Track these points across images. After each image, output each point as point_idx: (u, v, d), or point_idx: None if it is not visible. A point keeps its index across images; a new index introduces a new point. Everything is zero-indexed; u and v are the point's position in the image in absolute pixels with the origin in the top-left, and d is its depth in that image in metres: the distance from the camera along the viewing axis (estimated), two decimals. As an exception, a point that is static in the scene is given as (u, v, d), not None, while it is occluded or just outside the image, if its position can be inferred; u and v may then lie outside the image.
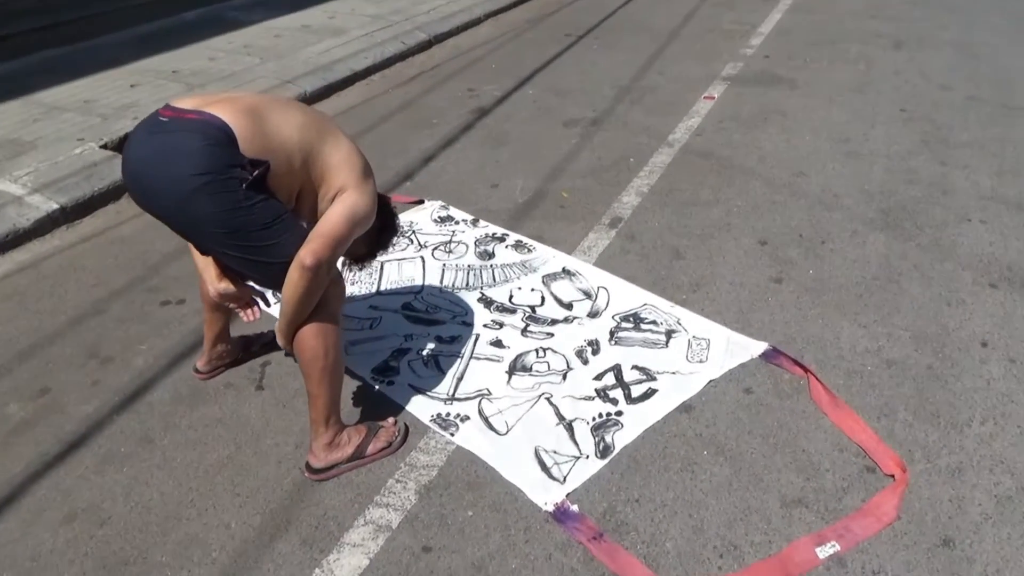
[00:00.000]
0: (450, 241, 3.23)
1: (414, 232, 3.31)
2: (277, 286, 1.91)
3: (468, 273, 2.98)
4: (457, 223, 3.38)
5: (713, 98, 4.80)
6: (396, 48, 5.86)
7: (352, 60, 5.50)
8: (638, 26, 6.58)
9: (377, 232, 2.23)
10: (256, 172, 1.80)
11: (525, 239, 3.21)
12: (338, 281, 2.00)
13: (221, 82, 4.92)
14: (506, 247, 3.16)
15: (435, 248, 3.18)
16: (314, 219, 1.98)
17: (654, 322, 2.65)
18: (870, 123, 4.34)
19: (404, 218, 3.42)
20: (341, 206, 1.93)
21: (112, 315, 2.83)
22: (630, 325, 2.63)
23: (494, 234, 3.27)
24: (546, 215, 3.43)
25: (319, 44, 5.77)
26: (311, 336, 1.94)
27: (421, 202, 3.57)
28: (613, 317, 2.68)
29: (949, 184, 3.59)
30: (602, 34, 6.41)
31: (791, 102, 4.70)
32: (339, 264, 2.71)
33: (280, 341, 2.00)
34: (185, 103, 1.87)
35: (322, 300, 1.93)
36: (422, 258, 3.10)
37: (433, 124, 4.53)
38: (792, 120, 4.42)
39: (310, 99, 4.94)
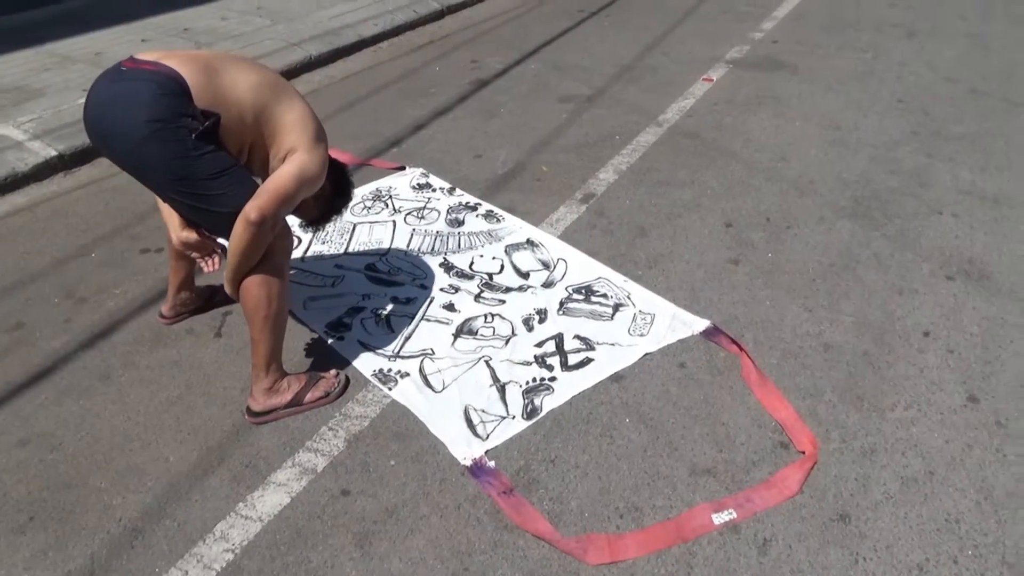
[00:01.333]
0: (424, 207, 3.31)
1: (391, 197, 3.40)
2: (225, 234, 2.01)
3: (435, 239, 3.07)
4: (434, 190, 3.46)
5: (711, 80, 4.80)
6: (407, 16, 5.92)
7: (361, 26, 5.57)
8: (653, 4, 6.55)
9: (330, 198, 2.33)
10: (207, 123, 1.89)
11: (496, 209, 3.28)
12: (284, 235, 2.10)
13: (229, 42, 5.03)
14: (476, 216, 3.24)
15: (408, 213, 3.26)
16: (265, 175, 2.07)
17: (604, 295, 2.71)
18: (863, 112, 4.31)
19: (383, 183, 3.51)
20: (290, 166, 2.02)
21: (94, 259, 2.97)
22: (581, 297, 2.70)
23: (467, 203, 3.35)
24: (522, 187, 3.50)
25: (331, 8, 5.84)
26: (255, 285, 2.05)
27: (402, 168, 3.65)
28: (566, 289, 2.75)
29: (929, 176, 3.58)
30: (615, 11, 6.39)
31: (788, 88, 4.68)
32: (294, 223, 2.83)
33: (227, 289, 2.11)
34: (146, 56, 1.97)
35: (268, 252, 2.03)
36: (394, 222, 3.20)
37: (430, 94, 4.60)
38: (786, 106, 4.41)
39: (315, 63, 5.03)
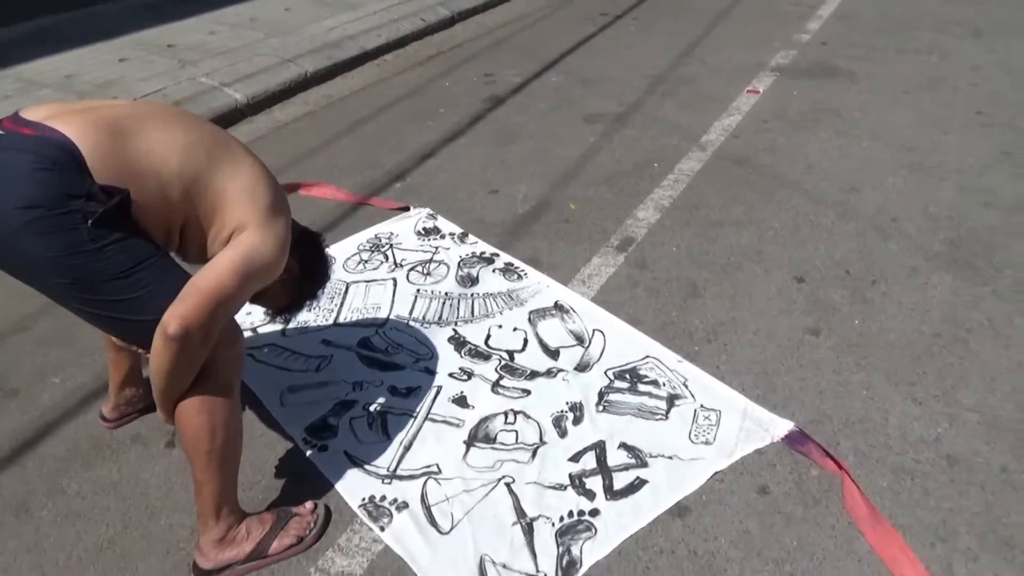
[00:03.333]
0: (430, 260, 2.77)
1: (391, 247, 2.86)
2: (147, 346, 1.49)
3: (444, 303, 2.53)
4: (443, 237, 2.92)
5: (758, 92, 4.22)
6: (414, 25, 5.39)
7: (363, 38, 5.05)
8: (683, 5, 5.98)
9: (299, 280, 1.81)
10: (109, 203, 1.37)
11: (517, 262, 2.74)
12: (231, 342, 1.56)
13: (216, 59, 4.52)
14: (493, 271, 2.70)
15: (412, 268, 2.73)
16: (204, 263, 1.55)
17: (655, 382, 2.16)
18: (941, 128, 3.72)
19: (383, 228, 2.98)
20: (232, 252, 1.50)
21: (35, 334, 2.46)
22: (625, 385, 2.15)
23: (482, 253, 2.80)
24: (547, 231, 2.95)
25: (331, 19, 5.33)
26: (193, 412, 1.53)
27: (406, 209, 3.12)
28: (606, 372, 2.20)
29: (1035, 210, 3.00)
30: (642, 14, 5.82)
31: (849, 99, 4.10)
32: (248, 316, 2.30)
33: (160, 415, 1.59)
34: (34, 112, 1.45)
35: (208, 368, 1.51)
36: (394, 280, 2.66)
37: (439, 114, 4.06)
38: (848, 121, 3.83)
39: (312, 80, 4.52)
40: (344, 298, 2.58)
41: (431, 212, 3.09)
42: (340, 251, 2.83)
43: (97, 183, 1.36)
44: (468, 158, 3.57)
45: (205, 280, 1.43)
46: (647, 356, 2.27)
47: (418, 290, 2.61)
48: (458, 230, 2.96)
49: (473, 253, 2.81)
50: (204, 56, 4.59)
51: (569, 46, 5.09)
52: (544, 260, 2.76)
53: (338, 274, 2.69)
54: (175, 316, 1.38)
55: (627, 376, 2.19)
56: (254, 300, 1.79)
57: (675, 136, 3.72)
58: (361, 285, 2.64)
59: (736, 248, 2.80)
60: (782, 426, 1.99)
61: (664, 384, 2.16)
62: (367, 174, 3.43)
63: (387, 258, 2.80)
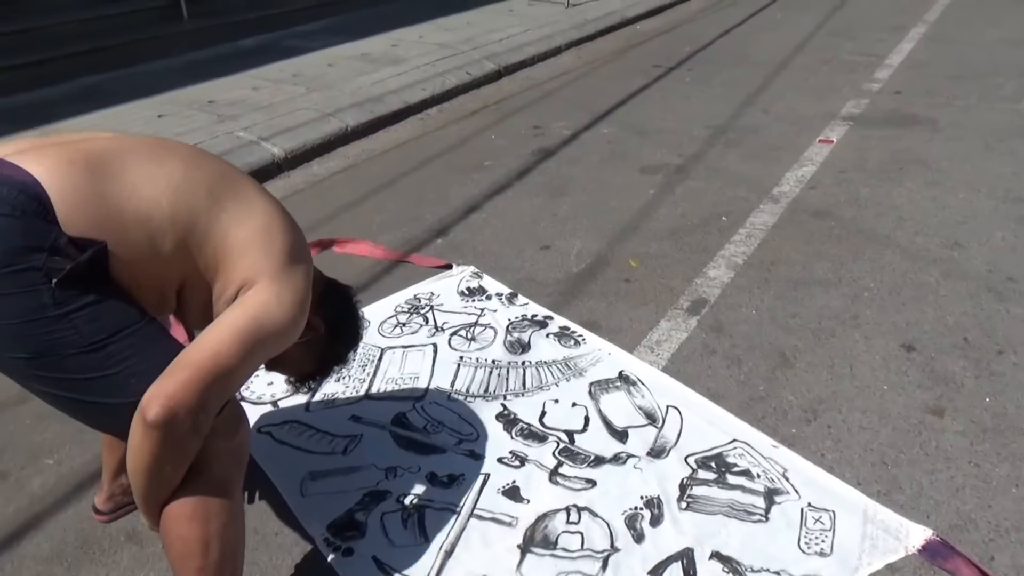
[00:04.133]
0: (475, 324, 2.46)
1: (432, 308, 2.56)
2: (124, 436, 1.19)
3: (490, 373, 2.21)
4: (489, 298, 2.61)
5: (831, 142, 3.89)
6: (459, 79, 5.22)
7: (407, 92, 4.88)
8: (739, 57, 5.72)
9: (327, 341, 1.51)
10: (80, 258, 1.09)
11: (573, 326, 2.41)
12: (231, 431, 1.25)
13: (257, 113, 4.38)
14: (547, 336, 2.37)
15: (454, 332, 2.42)
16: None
17: (747, 473, 1.78)
18: (1046, 178, 3.33)
19: (423, 288, 2.68)
20: (237, 313, 1.21)
21: (34, 407, 2.19)
22: (711, 476, 1.78)
23: (533, 316, 2.48)
24: (606, 291, 2.63)
25: (374, 74, 5.19)
26: (183, 519, 1.21)
27: (449, 267, 2.82)
28: (686, 460, 1.84)
29: None
30: (696, 66, 5.58)
31: (933, 148, 3.73)
32: (269, 387, 2.01)
33: (144, 520, 1.28)
34: (2, 149, 1.20)
35: (202, 461, 1.20)
36: (434, 346, 2.35)
37: (484, 167, 3.81)
38: (937, 171, 3.46)
39: (352, 135, 4.33)
40: (378, 366, 2.27)
41: (476, 271, 2.79)
42: (375, 313, 2.54)
43: (66, 234, 1.09)
44: (516, 212, 3.29)
45: (199, 350, 1.14)
46: (734, 440, 1.89)
47: (461, 357, 2.28)
48: (506, 290, 2.65)
49: (523, 316, 2.49)
50: (244, 111, 4.45)
51: (621, 98, 4.85)
52: (604, 324, 2.43)
53: (372, 338, 2.39)
54: (158, 396, 1.08)
55: (713, 464, 1.81)
56: (272, 366, 1.50)
57: (743, 188, 3.39)
58: (397, 351, 2.33)
59: (827, 311, 2.43)
60: (918, 534, 1.59)
61: (759, 475, 1.78)
62: (407, 229, 3.17)
63: (427, 321, 2.49)
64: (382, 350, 2.35)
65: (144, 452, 1.12)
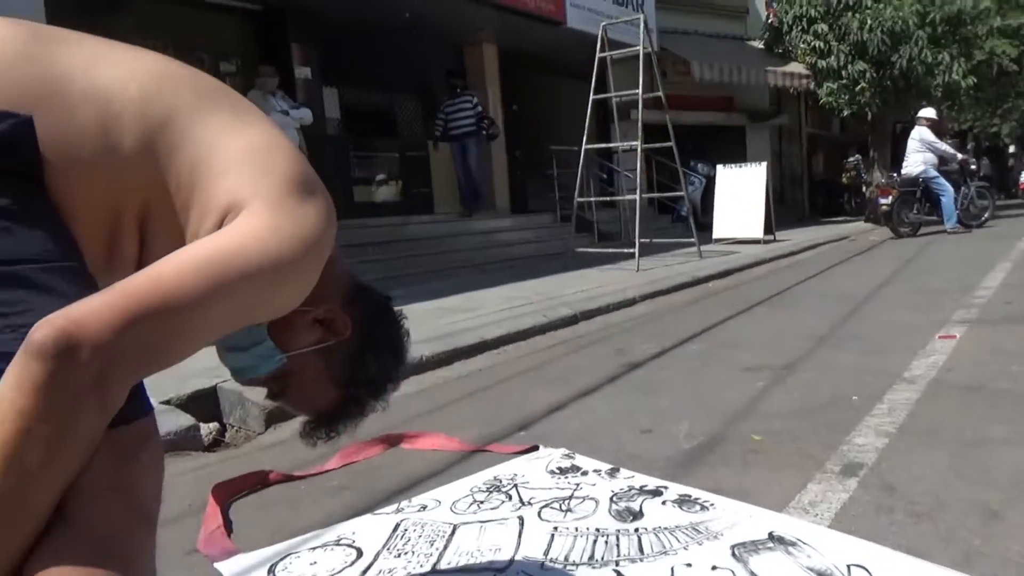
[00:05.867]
0: (571, 496, 1.97)
1: (515, 487, 2.09)
2: None
3: (595, 540, 1.68)
4: (585, 474, 2.14)
5: (954, 337, 3.48)
6: (535, 320, 5.11)
7: (483, 330, 4.76)
8: (824, 292, 5.54)
9: (358, 352, 1.06)
10: None
11: (696, 492, 1.90)
12: (133, 448, 0.81)
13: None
14: (663, 503, 1.86)
15: (546, 506, 1.93)
16: None
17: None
18: None
19: (504, 469, 2.24)
20: (208, 239, 0.84)
21: None
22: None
23: (643, 486, 1.99)
24: (730, 462, 2.13)
25: (449, 318, 5.15)
26: None
27: (535, 448, 2.39)
28: (899, 621, 1.24)
29: None
30: (782, 300, 5.39)
31: (1080, 334, 3.28)
32: (312, 567, 1.60)
33: None
34: None
35: (80, 496, 0.76)
36: (520, 518, 1.85)
37: (568, 380, 3.49)
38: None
39: (427, 365, 4.11)
40: (449, 541, 1.77)
41: (567, 452, 2.34)
42: (447, 494, 2.08)
43: None
44: (608, 406, 2.89)
45: (138, 277, 0.78)
46: (964, 595, 1.30)
47: (555, 528, 1.78)
48: (605, 466, 2.18)
49: (631, 487, 2.00)
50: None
51: (707, 325, 4.61)
52: (733, 489, 1.91)
53: (442, 515, 1.92)
54: (53, 318, 0.70)
55: (942, 626, 1.22)
56: (281, 387, 1.05)
57: (867, 375, 2.95)
58: (473, 526, 1.84)
59: (1020, 465, 1.88)
60: None
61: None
62: (483, 428, 2.78)
63: (510, 498, 2.02)
64: (454, 526, 1.86)
65: (9, 403, 0.68)
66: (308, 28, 8.08)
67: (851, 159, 14.21)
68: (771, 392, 2.87)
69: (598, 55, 7.89)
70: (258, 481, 2.34)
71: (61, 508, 0.75)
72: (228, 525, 2.07)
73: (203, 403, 3.07)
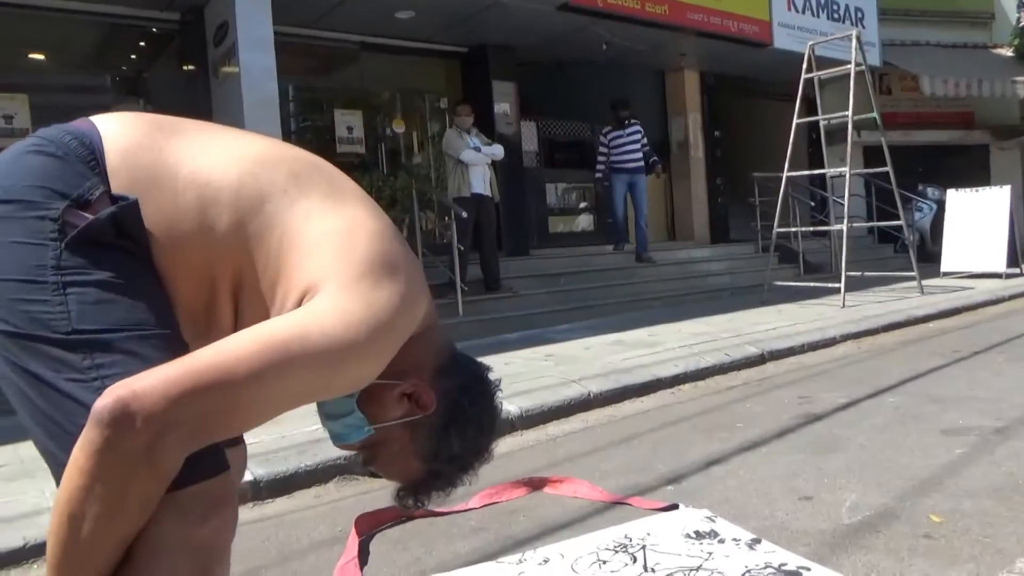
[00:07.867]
0: (699, 568, 1.82)
1: (644, 548, 1.97)
2: None
3: (710, 623, 1.53)
4: (722, 542, 1.96)
5: None
6: (717, 359, 4.85)
7: (658, 367, 4.60)
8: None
9: (442, 427, 1.06)
10: (98, 215, 0.86)
11: (842, 578, 1.67)
12: (203, 513, 0.84)
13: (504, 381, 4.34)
14: (801, 587, 1.65)
15: (669, 575, 1.79)
16: None
17: None
18: None
19: (636, 527, 2.12)
20: (276, 320, 0.89)
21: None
22: None
23: (781, 565, 1.78)
24: (895, 546, 1.85)
25: (626, 353, 5.04)
26: None
27: (675, 507, 2.24)
28: None
29: None
30: (1013, 349, 4.67)
31: None
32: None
33: None
34: None
35: (144, 552, 0.81)
36: (638, 586, 1.74)
37: (735, 428, 3.26)
38: None
39: (594, 401, 4.06)
40: (559, 603, 1.71)
41: (709, 514, 2.17)
42: (570, 549, 2.01)
43: (106, 188, 0.88)
44: (769, 466, 2.65)
45: (200, 351, 0.82)
46: None
47: (674, 603, 1.65)
48: (747, 535, 1.99)
49: (768, 563, 1.80)
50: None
51: (912, 374, 4.10)
52: (892, 582, 1.65)
53: (561, 572, 1.85)
54: (116, 387, 0.76)
55: None
56: (368, 460, 1.08)
57: (1103, 451, 2.45)
58: (590, 588, 1.76)
59: None
60: None
61: None
62: (631, 477, 2.67)
63: (634, 560, 1.90)
64: (566, 587, 1.79)
65: (73, 467, 0.77)
66: (507, 65, 8.40)
67: None
68: (971, 462, 2.47)
69: (803, 76, 7.40)
70: (401, 514, 2.41)
71: (129, 561, 0.82)
72: (364, 557, 2.16)
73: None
